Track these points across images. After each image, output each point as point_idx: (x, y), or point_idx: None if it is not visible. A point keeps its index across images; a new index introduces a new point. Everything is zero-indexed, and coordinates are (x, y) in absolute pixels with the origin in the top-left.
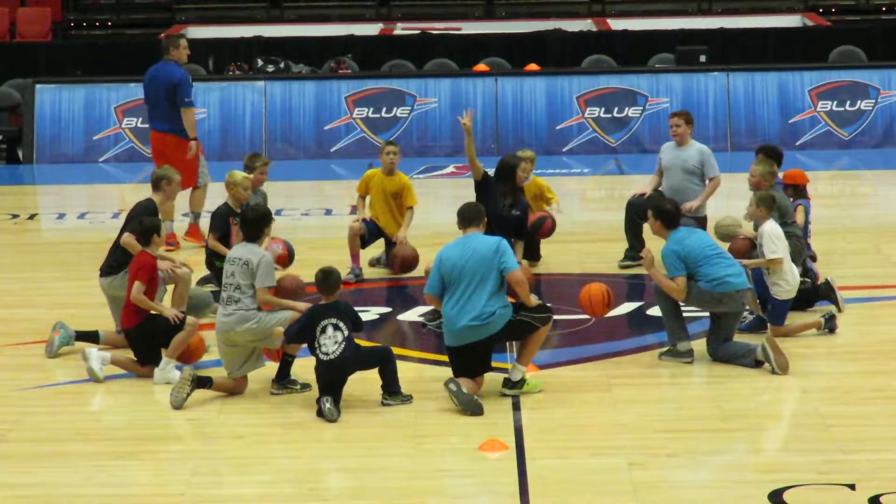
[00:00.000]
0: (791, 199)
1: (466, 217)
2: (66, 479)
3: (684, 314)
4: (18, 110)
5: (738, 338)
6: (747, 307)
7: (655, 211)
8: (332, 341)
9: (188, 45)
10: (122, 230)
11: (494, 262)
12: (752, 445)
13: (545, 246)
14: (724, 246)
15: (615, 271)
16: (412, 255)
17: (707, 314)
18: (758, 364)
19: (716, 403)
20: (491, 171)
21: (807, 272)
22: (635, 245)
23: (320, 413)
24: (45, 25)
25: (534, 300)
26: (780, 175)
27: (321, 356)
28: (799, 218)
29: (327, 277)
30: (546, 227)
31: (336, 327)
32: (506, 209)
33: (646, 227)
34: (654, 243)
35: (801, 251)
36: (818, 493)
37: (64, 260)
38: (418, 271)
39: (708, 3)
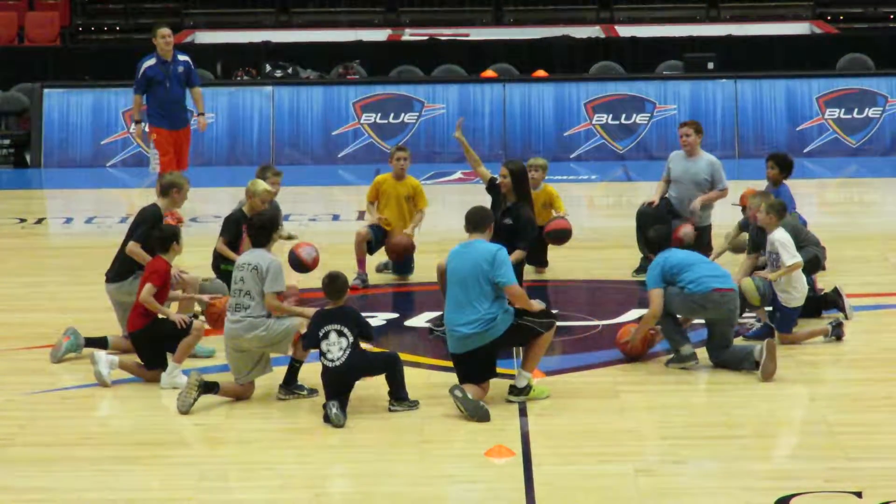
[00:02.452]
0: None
1: (472, 222)
2: (73, 483)
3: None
4: (26, 114)
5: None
6: (754, 315)
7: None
8: (336, 347)
9: (166, 36)
10: (128, 236)
11: (489, 272)
12: (759, 453)
13: (552, 252)
14: (737, 259)
15: (622, 277)
16: (407, 243)
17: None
18: (757, 366)
19: (723, 410)
20: None
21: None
22: (649, 255)
23: (327, 418)
24: (54, 30)
25: (536, 305)
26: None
27: (326, 363)
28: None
29: (333, 281)
30: (560, 227)
31: (340, 333)
32: (498, 217)
33: None
34: None
35: (823, 260)
36: (825, 501)
37: (71, 264)
38: (426, 276)
39: (716, 11)
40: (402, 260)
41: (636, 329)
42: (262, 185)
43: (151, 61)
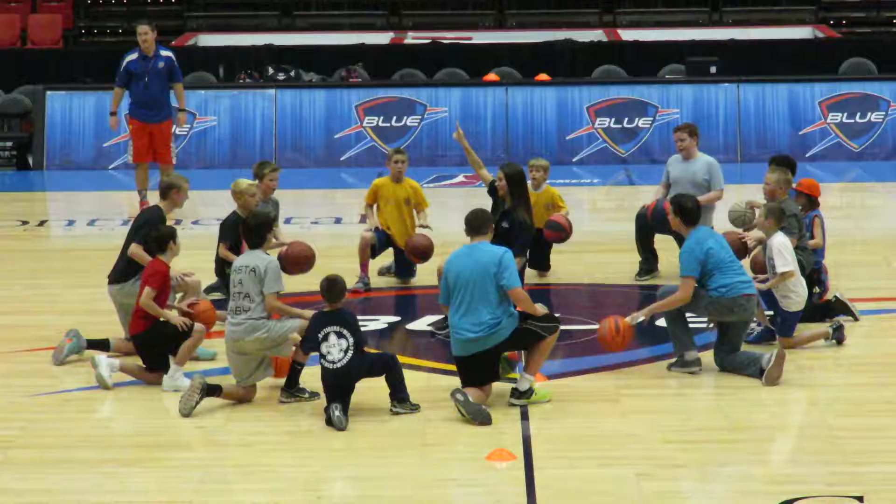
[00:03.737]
0: (803, 210)
1: (473, 225)
2: (74, 485)
3: (691, 325)
4: (29, 117)
5: (747, 349)
6: (755, 319)
7: (676, 207)
8: (336, 349)
9: (142, 34)
10: (129, 237)
11: (495, 275)
12: (761, 457)
13: (555, 256)
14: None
15: (625, 282)
16: (427, 243)
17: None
18: (762, 373)
19: (724, 414)
20: None
21: (820, 283)
22: (649, 258)
23: (329, 421)
24: (56, 32)
25: (541, 309)
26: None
27: (327, 364)
28: (817, 233)
29: (332, 285)
30: (564, 231)
31: (339, 335)
32: (496, 220)
33: (657, 237)
34: (666, 254)
35: (809, 264)
36: None
37: (73, 267)
38: (428, 280)
39: (718, 15)
40: (423, 262)
41: (654, 305)
42: (243, 182)
43: (133, 56)
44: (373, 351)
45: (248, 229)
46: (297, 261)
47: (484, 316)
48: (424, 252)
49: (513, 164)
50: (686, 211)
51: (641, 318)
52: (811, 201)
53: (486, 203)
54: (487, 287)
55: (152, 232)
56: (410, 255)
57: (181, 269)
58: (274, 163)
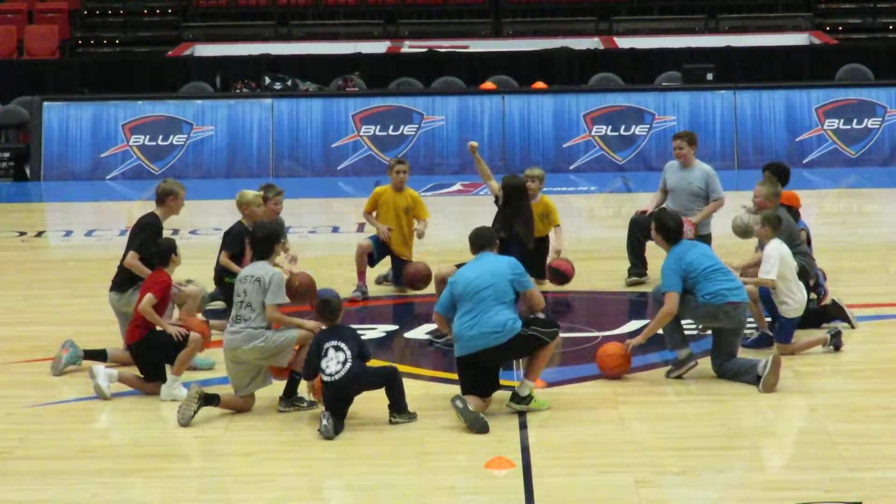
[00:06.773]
0: None
1: (478, 244)
2: (73, 496)
3: (687, 331)
4: (26, 127)
5: (744, 354)
6: (754, 324)
7: (657, 225)
8: (334, 362)
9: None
10: (128, 246)
11: (508, 276)
12: (759, 463)
13: None
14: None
15: (622, 289)
16: (425, 271)
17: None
18: (759, 379)
19: (722, 421)
20: None
21: (817, 288)
22: (637, 263)
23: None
24: (53, 43)
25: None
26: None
27: (325, 378)
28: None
29: (326, 305)
30: (567, 278)
31: (337, 348)
32: (496, 229)
33: (648, 244)
34: (657, 261)
35: (811, 269)
36: None
37: (71, 277)
38: (425, 288)
39: (715, 22)
40: (419, 289)
41: (648, 326)
42: (249, 193)
43: None
44: (375, 363)
45: (255, 240)
46: (303, 290)
47: (492, 317)
48: (421, 279)
49: (512, 175)
50: (667, 230)
51: (640, 342)
52: (793, 213)
53: (485, 212)
54: (499, 289)
55: (153, 246)
56: (408, 284)
57: (177, 279)
58: (276, 186)
